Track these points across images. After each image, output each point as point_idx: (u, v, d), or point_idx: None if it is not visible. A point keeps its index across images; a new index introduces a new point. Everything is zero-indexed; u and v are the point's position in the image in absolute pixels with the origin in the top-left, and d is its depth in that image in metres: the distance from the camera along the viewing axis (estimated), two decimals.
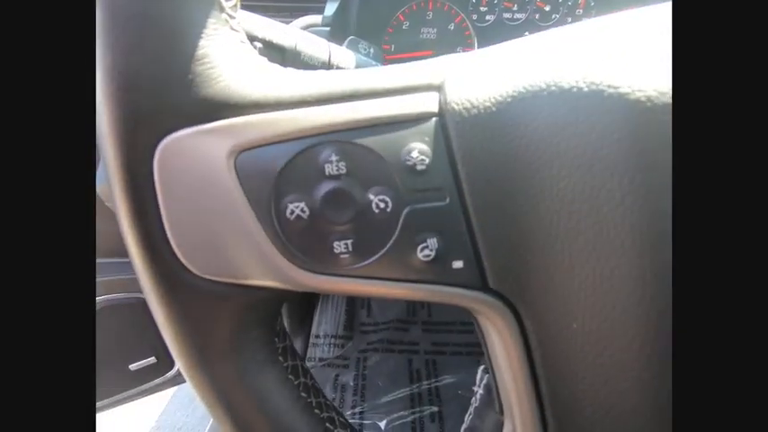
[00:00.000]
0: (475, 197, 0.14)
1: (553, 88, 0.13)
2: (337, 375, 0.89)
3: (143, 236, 0.14)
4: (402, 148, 0.14)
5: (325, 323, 1.02)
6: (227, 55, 0.14)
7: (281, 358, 0.18)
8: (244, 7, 0.49)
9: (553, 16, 0.54)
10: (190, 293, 0.15)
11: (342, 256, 0.14)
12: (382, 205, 0.14)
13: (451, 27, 0.56)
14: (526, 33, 0.56)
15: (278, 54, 0.24)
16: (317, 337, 0.99)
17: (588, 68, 0.13)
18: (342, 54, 0.27)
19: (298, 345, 0.96)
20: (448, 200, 0.14)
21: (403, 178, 0.14)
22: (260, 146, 0.14)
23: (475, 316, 0.16)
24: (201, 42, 0.13)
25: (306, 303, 0.99)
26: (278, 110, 0.14)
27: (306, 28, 0.43)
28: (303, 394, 0.18)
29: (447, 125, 0.14)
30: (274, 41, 0.23)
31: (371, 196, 0.14)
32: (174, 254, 0.14)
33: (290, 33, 0.25)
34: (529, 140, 0.13)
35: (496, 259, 0.14)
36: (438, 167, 0.14)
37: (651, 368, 0.13)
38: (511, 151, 0.13)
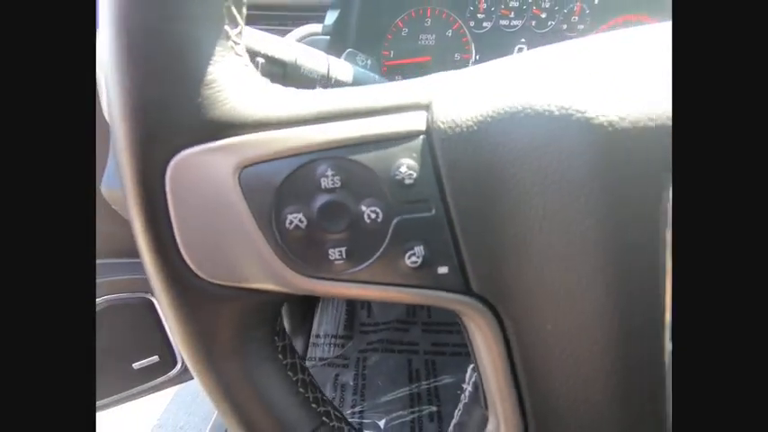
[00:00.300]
0: (458, 209, 0.15)
1: (528, 111, 0.14)
2: (337, 375, 0.90)
3: (156, 244, 0.15)
4: (392, 163, 0.15)
5: (325, 323, 1.03)
6: (233, 79, 0.15)
7: (280, 356, 0.19)
8: (247, 17, 0.50)
9: (549, 23, 0.56)
10: (198, 296, 0.16)
11: (336, 262, 0.16)
12: (373, 216, 0.15)
13: (449, 33, 0.57)
14: (522, 40, 0.57)
15: (280, 68, 0.25)
16: (318, 336, 1.00)
17: (559, 92, 0.14)
18: (340, 66, 0.28)
19: (298, 344, 0.97)
20: (433, 211, 0.15)
21: (392, 191, 0.15)
22: (262, 162, 0.15)
23: (460, 317, 0.17)
24: (210, 69, 0.14)
25: (307, 303, 1.00)
26: (279, 128, 0.15)
27: (306, 36, 0.44)
28: (301, 390, 0.19)
29: (433, 142, 0.15)
30: (276, 56, 0.25)
31: (364, 208, 0.15)
32: (183, 260, 0.15)
33: (291, 48, 0.26)
34: (506, 159, 0.14)
35: (478, 266, 0.15)
36: (425, 181, 0.15)
37: (615, 366, 0.14)
38: (490, 168, 0.15)
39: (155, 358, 0.63)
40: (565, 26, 0.55)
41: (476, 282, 0.16)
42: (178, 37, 0.14)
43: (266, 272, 0.16)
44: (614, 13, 0.54)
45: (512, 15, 0.56)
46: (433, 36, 0.57)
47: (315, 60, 0.27)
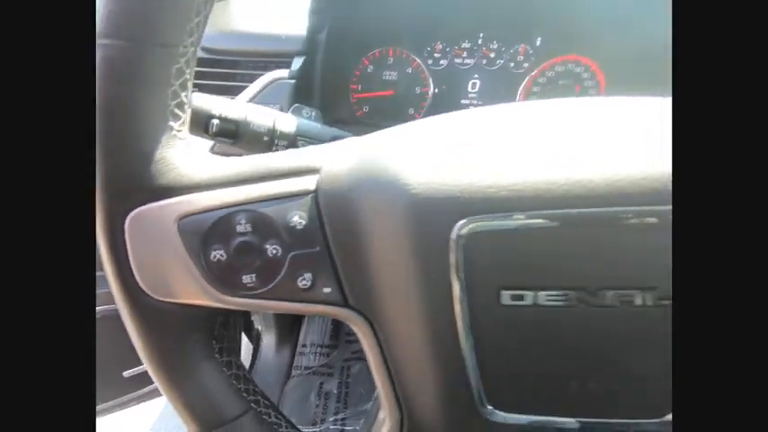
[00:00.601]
0: (336, 246, 0.21)
1: (377, 179, 0.20)
2: (322, 383, 0.93)
3: (117, 272, 0.21)
4: (288, 214, 0.21)
5: (312, 333, 1.06)
6: (175, 156, 0.21)
7: (217, 355, 0.25)
8: (224, 63, 0.56)
9: (498, 62, 0.62)
10: (149, 310, 0.22)
11: (249, 285, 0.21)
12: (275, 252, 0.21)
13: (410, 70, 0.64)
14: (476, 75, 0.64)
15: (232, 125, 0.31)
16: (304, 346, 1.03)
17: (397, 167, 0.20)
18: (284, 120, 0.34)
19: (286, 354, 1.01)
20: (318, 248, 0.21)
21: (288, 234, 0.21)
22: (195, 214, 0.21)
23: (350, 325, 0.23)
24: (159, 151, 0.20)
25: (294, 315, 1.04)
26: (209, 190, 0.21)
27: (274, 81, 0.51)
28: (234, 382, 0.25)
29: (319, 199, 0.21)
30: (229, 117, 0.31)
31: (268, 246, 0.21)
32: (137, 283, 0.21)
33: (241, 108, 0.32)
34: (365, 212, 0.20)
35: (352, 287, 0.21)
36: (312, 227, 0.21)
37: (434, 360, 0.20)
38: (356, 218, 0.20)
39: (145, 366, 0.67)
40: (512, 64, 0.62)
41: (352, 298, 0.21)
42: (138, 132, 0.20)
43: (198, 291, 0.22)
44: (554, 54, 0.60)
45: (464, 55, 0.63)
46: (396, 72, 0.64)
47: (262, 117, 0.33)
